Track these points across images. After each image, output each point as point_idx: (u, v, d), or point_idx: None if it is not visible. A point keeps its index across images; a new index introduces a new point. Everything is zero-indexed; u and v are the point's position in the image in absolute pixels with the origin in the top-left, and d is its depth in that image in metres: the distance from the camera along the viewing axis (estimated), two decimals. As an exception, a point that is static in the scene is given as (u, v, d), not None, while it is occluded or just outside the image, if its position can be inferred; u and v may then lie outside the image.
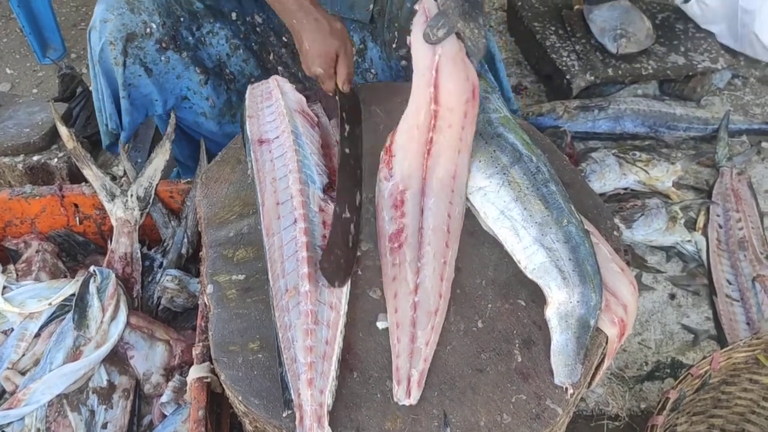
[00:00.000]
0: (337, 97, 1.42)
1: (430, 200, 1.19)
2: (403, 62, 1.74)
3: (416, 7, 1.28)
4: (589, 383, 1.13)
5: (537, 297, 1.11)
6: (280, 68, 1.81)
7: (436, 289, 1.09)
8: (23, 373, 1.32)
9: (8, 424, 1.25)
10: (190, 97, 1.72)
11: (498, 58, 1.72)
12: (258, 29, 1.76)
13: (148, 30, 1.58)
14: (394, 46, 1.71)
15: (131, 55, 1.59)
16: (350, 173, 1.31)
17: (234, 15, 1.73)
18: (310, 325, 1.02)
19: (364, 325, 1.08)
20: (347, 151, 1.33)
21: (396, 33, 1.69)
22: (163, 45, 1.61)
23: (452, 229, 1.18)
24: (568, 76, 2.50)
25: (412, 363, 1.00)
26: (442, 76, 1.21)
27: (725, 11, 2.64)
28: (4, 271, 1.49)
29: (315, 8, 1.40)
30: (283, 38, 1.77)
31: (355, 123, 1.43)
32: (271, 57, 1.80)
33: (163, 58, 1.63)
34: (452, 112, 1.22)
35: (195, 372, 1.17)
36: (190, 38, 1.67)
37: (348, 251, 1.18)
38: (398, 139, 1.25)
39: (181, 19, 1.64)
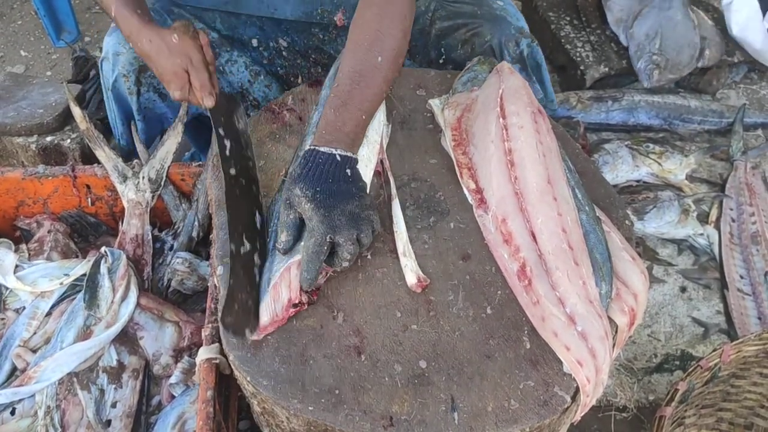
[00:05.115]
0: (209, 113, 1.30)
1: (537, 221, 1.10)
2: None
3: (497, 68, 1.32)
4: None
5: (547, 284, 1.10)
6: None
7: (593, 311, 1.01)
8: (34, 351, 1.33)
9: (19, 401, 1.26)
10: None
11: (544, 67, 1.70)
12: (284, 53, 1.75)
13: None
14: (441, 61, 1.71)
15: (145, 84, 1.60)
16: (242, 196, 1.20)
17: (255, 42, 1.72)
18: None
19: (373, 309, 1.08)
20: (232, 172, 1.21)
21: (443, 50, 1.70)
22: None
23: (574, 243, 1.07)
24: (582, 67, 2.48)
25: (597, 392, 1.00)
26: (506, 100, 1.23)
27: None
28: (16, 251, 1.50)
29: (145, 28, 1.25)
30: (311, 58, 1.76)
31: (236, 138, 1.29)
32: (299, 80, 1.78)
33: None
34: (520, 117, 1.20)
35: (204, 353, 1.17)
36: None
37: (253, 289, 1.07)
38: (477, 162, 1.23)
39: None
